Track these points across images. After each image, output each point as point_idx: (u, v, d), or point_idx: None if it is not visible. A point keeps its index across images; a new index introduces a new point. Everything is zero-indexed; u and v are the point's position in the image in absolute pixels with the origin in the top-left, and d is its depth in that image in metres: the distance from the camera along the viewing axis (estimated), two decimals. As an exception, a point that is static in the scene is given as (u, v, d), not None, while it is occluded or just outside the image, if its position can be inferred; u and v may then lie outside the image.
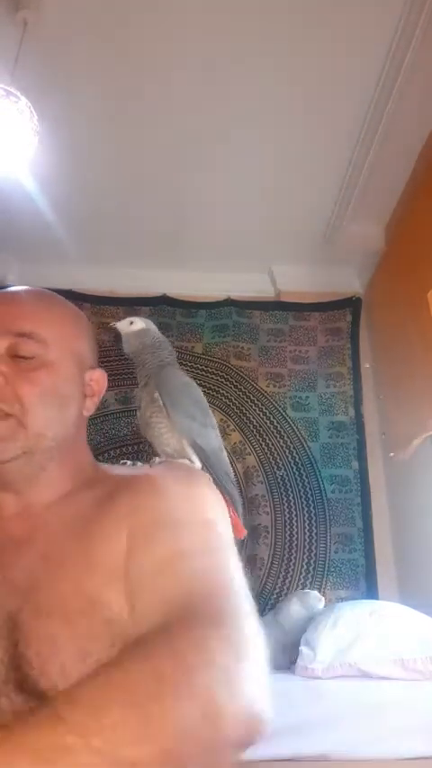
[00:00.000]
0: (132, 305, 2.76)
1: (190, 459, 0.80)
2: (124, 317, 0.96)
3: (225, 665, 0.43)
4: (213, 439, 0.86)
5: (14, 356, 0.64)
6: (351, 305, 2.78)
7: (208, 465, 0.82)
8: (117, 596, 0.55)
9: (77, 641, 0.52)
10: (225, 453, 0.90)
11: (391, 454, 2.33)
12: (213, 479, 0.78)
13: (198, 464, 0.80)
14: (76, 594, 0.55)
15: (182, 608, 0.49)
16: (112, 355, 2.72)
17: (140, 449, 2.42)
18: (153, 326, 0.96)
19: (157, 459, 0.76)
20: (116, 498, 0.63)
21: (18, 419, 0.63)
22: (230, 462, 2.51)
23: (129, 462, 0.71)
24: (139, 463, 0.77)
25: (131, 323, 0.96)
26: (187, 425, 0.82)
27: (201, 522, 0.61)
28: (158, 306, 2.78)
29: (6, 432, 0.62)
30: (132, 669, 0.41)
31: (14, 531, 0.63)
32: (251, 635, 0.48)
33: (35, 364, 0.65)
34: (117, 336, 0.96)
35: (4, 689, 0.52)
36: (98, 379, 0.72)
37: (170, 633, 0.45)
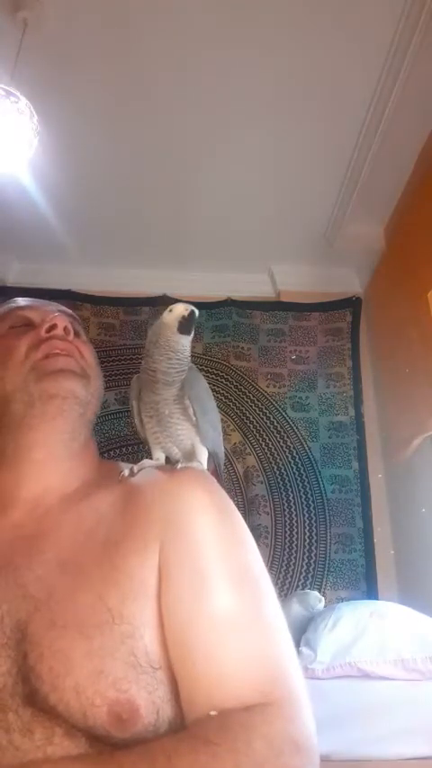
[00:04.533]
0: (132, 305, 2.76)
1: (200, 462, 0.78)
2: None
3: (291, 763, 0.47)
4: (222, 444, 0.86)
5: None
6: (351, 305, 2.78)
7: (218, 471, 0.82)
8: (141, 611, 0.53)
9: (93, 658, 0.49)
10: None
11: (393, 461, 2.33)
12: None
13: (204, 467, 0.78)
14: (96, 607, 0.52)
15: (245, 690, 0.51)
16: (112, 355, 2.74)
17: (140, 449, 2.42)
18: None
19: (147, 461, 0.75)
20: (143, 505, 0.62)
21: (86, 373, 0.71)
22: (230, 462, 2.52)
23: (126, 471, 0.70)
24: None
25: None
26: (212, 436, 0.81)
27: (243, 562, 0.60)
28: (158, 306, 2.78)
29: (79, 384, 0.69)
30: (219, 753, 0.45)
31: (25, 529, 0.61)
32: (307, 720, 0.51)
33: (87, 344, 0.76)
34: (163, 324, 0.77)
35: (11, 703, 0.48)
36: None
37: (246, 726, 0.47)
